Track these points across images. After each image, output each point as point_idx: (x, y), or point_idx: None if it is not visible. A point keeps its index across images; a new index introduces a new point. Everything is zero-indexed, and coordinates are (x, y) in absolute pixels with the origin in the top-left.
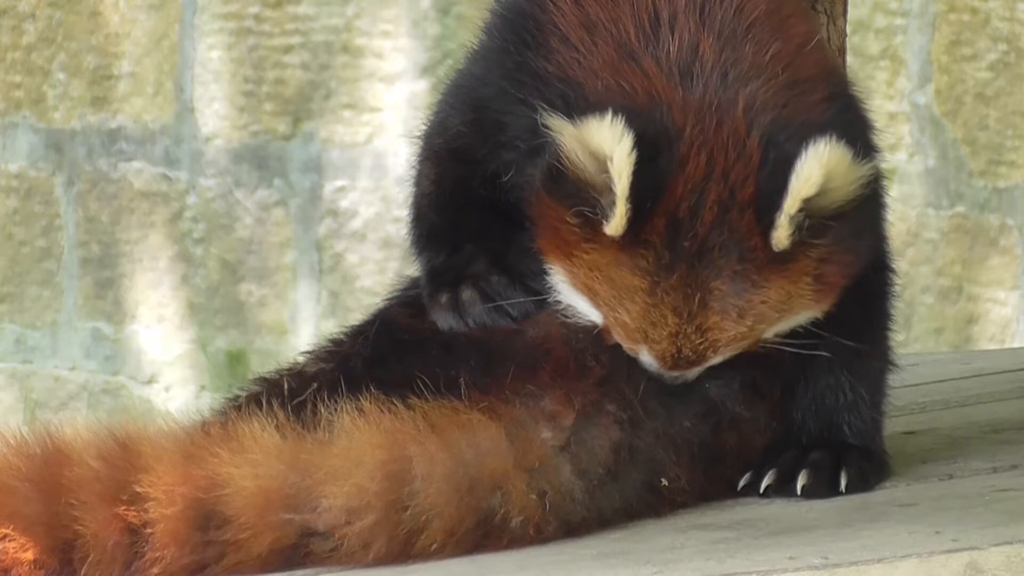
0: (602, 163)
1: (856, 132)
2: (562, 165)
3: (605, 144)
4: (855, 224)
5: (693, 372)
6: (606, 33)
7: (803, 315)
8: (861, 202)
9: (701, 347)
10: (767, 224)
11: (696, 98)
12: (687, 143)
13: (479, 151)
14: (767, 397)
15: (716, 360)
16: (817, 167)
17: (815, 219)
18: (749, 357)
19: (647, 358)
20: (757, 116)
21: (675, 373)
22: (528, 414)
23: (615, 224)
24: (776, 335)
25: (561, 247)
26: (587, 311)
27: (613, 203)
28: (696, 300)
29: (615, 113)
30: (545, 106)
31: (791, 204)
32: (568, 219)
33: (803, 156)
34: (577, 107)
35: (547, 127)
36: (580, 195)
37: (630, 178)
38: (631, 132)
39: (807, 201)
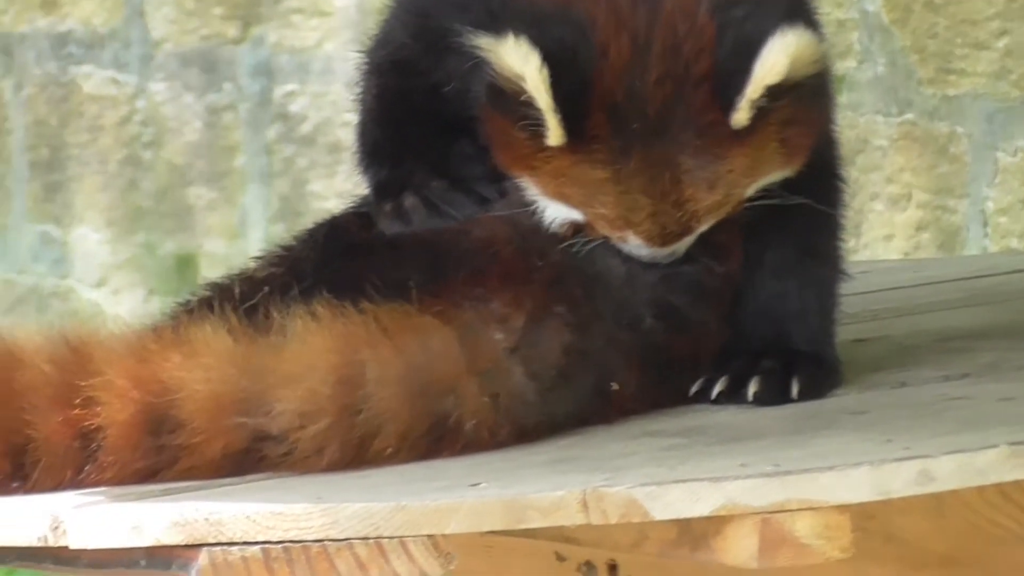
0: (522, 84)
1: (806, 4)
2: (498, 82)
3: (516, 65)
4: (814, 87)
5: (683, 244)
6: None
7: (775, 175)
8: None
9: (683, 219)
10: (726, 103)
11: None
12: (602, 32)
13: (422, 62)
14: (718, 302)
15: (703, 228)
16: (784, 57)
17: (775, 93)
18: (700, 259)
19: (635, 242)
20: None
21: (666, 250)
22: (478, 317)
23: (553, 135)
24: (753, 195)
25: (520, 160)
26: (566, 214)
27: (544, 118)
28: (665, 178)
29: (517, 33)
30: (471, 25)
31: (754, 90)
32: (518, 133)
33: (769, 44)
34: (503, 16)
35: (476, 47)
36: (520, 110)
37: (549, 91)
38: (537, 48)
39: (769, 86)
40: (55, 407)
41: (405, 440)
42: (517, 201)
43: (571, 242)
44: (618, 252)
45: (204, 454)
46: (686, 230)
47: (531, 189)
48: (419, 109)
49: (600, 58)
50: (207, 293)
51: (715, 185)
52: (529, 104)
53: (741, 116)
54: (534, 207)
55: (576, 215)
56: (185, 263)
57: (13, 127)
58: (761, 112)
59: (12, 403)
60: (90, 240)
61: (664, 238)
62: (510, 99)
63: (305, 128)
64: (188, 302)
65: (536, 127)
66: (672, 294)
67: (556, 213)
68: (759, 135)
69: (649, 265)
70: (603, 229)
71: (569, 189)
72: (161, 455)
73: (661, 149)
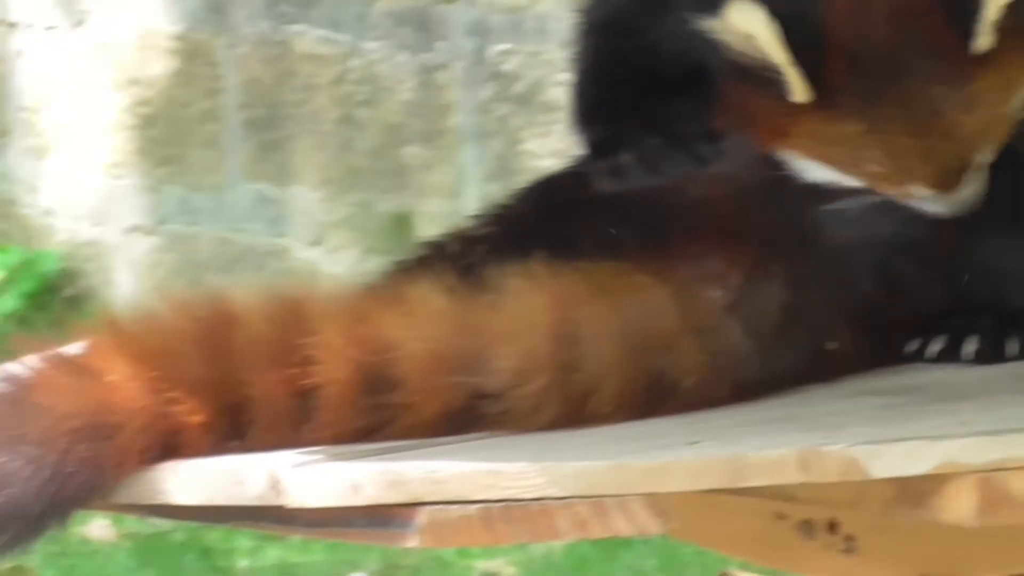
0: (755, 45)
1: None
2: (733, 57)
3: (745, 27)
4: None
5: (969, 186)
6: None
7: None
8: None
9: (957, 151)
10: (964, 29)
11: None
12: None
13: (639, 21)
14: (937, 264)
15: (982, 159)
16: None
17: (1012, 5)
18: (915, 220)
19: (921, 192)
20: None
21: (955, 195)
22: (695, 275)
23: (798, 91)
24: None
25: (775, 132)
26: (838, 179)
27: (785, 74)
28: (922, 112)
29: None
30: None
31: (990, 12)
32: (763, 102)
33: None
34: None
35: (702, 29)
36: (760, 75)
37: (784, 45)
38: (762, 4)
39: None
40: (273, 366)
41: (622, 398)
42: (734, 159)
43: (834, 207)
44: (842, 214)
45: (422, 413)
46: (964, 163)
47: (796, 161)
48: (636, 67)
49: (826, 4)
50: (424, 252)
51: (974, 107)
52: (767, 67)
53: (983, 40)
54: (760, 165)
55: (849, 180)
56: (401, 222)
57: (227, 86)
58: (1001, 27)
59: (230, 362)
60: (306, 199)
61: (947, 178)
62: (747, 68)
63: (519, 87)
64: (404, 261)
65: (779, 90)
66: (892, 256)
67: (829, 179)
68: (1004, 49)
69: (900, 227)
70: (883, 188)
71: (829, 150)
72: (379, 414)
73: (908, 85)
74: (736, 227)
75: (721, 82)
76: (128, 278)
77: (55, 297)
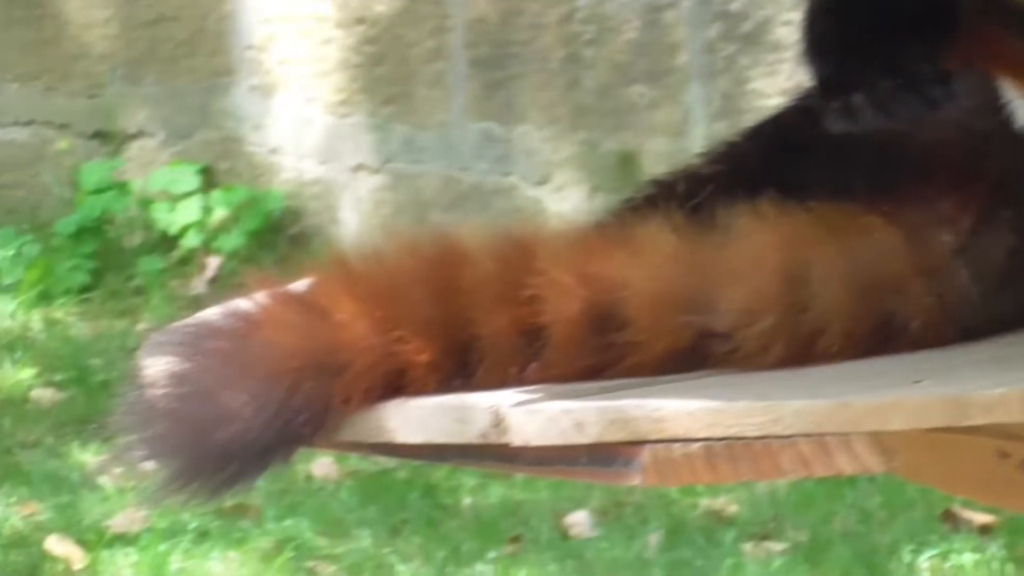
0: None
1: None
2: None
3: None
4: None
5: None
6: None
7: None
8: None
9: None
10: None
11: None
12: None
13: None
14: None
15: None
16: None
17: None
18: None
19: None
20: None
21: None
22: (925, 218)
23: None
24: None
25: (1013, 69)
26: None
27: None
28: None
29: None
30: None
31: None
32: (1014, 44)
33: None
34: None
35: None
36: (1019, 24)
37: None
38: None
39: None
40: (500, 305)
41: (850, 338)
42: (967, 104)
43: None
44: None
45: (649, 352)
46: None
47: (1018, 95)
48: (873, 2)
49: None
50: (651, 190)
51: None
52: None
53: None
54: (990, 110)
55: None
56: (627, 161)
57: (454, 25)
58: None
59: (457, 300)
60: (532, 137)
61: None
62: (1004, 14)
63: (746, 27)
64: (631, 199)
65: None
66: None
67: None
68: None
69: None
70: None
71: None
72: (606, 353)
73: None
74: (967, 172)
75: (974, 18)
76: (353, 217)
77: (280, 235)
